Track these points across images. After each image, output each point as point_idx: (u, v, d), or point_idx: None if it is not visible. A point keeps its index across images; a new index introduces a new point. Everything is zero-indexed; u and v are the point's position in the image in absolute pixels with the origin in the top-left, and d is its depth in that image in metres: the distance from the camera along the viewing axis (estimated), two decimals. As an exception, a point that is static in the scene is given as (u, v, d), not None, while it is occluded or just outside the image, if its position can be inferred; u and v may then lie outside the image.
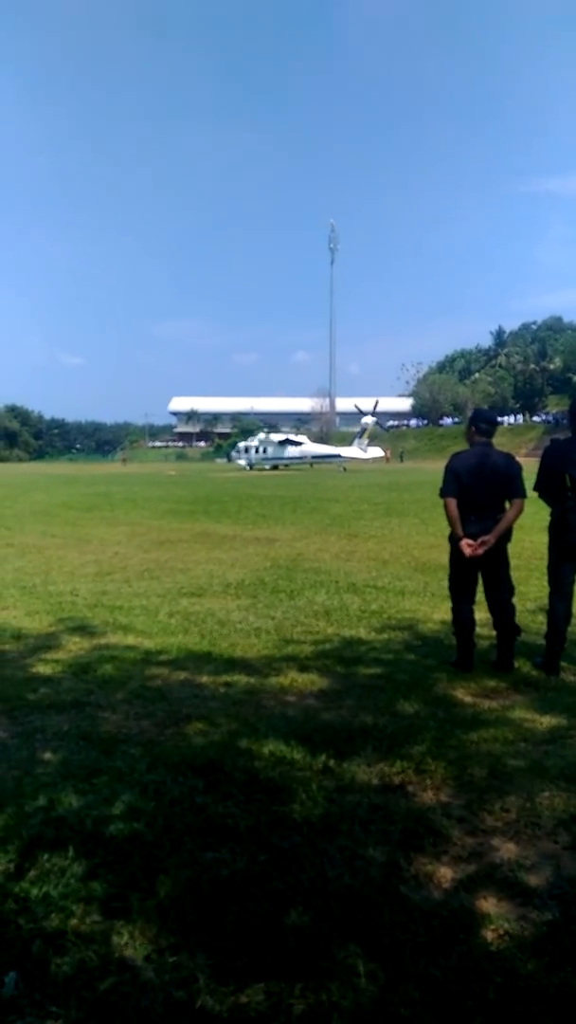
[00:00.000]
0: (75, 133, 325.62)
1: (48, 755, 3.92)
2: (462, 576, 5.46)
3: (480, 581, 5.49)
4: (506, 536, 5.33)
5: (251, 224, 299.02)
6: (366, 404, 66.81)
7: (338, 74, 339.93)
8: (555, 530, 5.31)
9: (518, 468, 5.31)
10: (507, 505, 5.30)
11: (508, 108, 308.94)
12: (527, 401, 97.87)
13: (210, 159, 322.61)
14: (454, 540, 5.38)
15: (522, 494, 5.27)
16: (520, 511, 5.28)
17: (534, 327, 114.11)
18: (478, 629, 5.56)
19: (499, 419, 6.27)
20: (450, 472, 5.36)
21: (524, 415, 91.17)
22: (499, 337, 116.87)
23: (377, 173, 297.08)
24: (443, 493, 5.36)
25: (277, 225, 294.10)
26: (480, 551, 5.19)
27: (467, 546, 5.21)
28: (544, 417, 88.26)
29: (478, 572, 5.43)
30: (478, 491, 5.27)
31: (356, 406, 68.78)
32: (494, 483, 5.27)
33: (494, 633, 5.60)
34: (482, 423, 5.48)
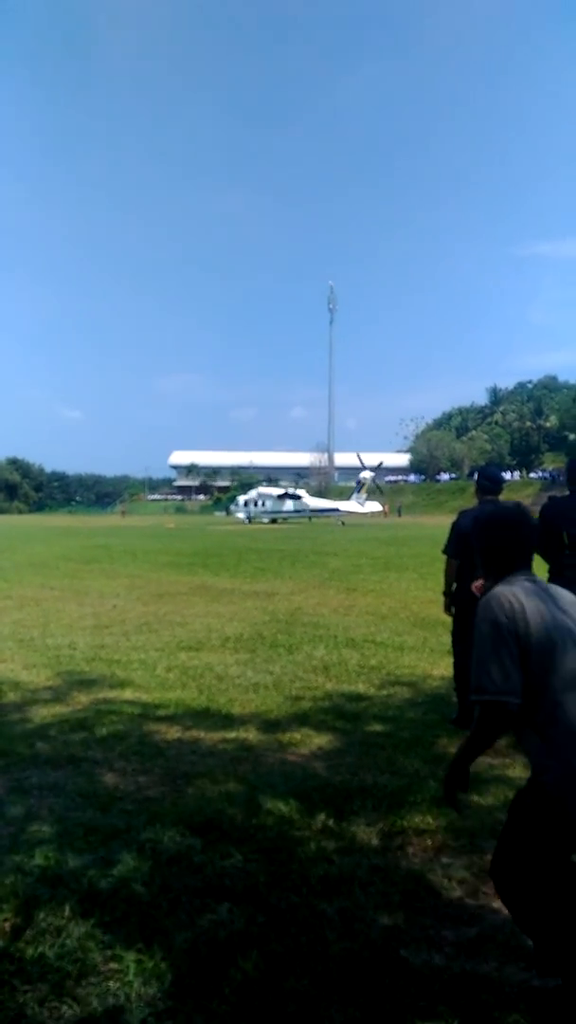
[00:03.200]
0: (75, 186, 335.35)
1: (45, 812, 3.89)
2: (465, 632, 5.46)
3: None
4: None
5: (251, 281, 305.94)
6: (369, 459, 67.38)
7: (335, 134, 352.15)
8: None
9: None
10: None
11: (501, 176, 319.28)
12: (523, 458, 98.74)
13: (213, 220, 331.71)
14: (458, 598, 5.40)
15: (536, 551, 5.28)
16: None
17: (529, 386, 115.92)
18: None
19: (503, 477, 6.31)
20: (454, 531, 5.42)
21: (521, 472, 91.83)
22: (494, 395, 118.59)
23: (374, 236, 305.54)
24: (446, 551, 5.44)
25: (277, 285, 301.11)
26: (477, 589, 5.17)
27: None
28: (541, 474, 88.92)
29: None
30: None
31: (359, 456, 69.24)
32: None
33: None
34: (486, 481, 5.54)
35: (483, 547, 2.57)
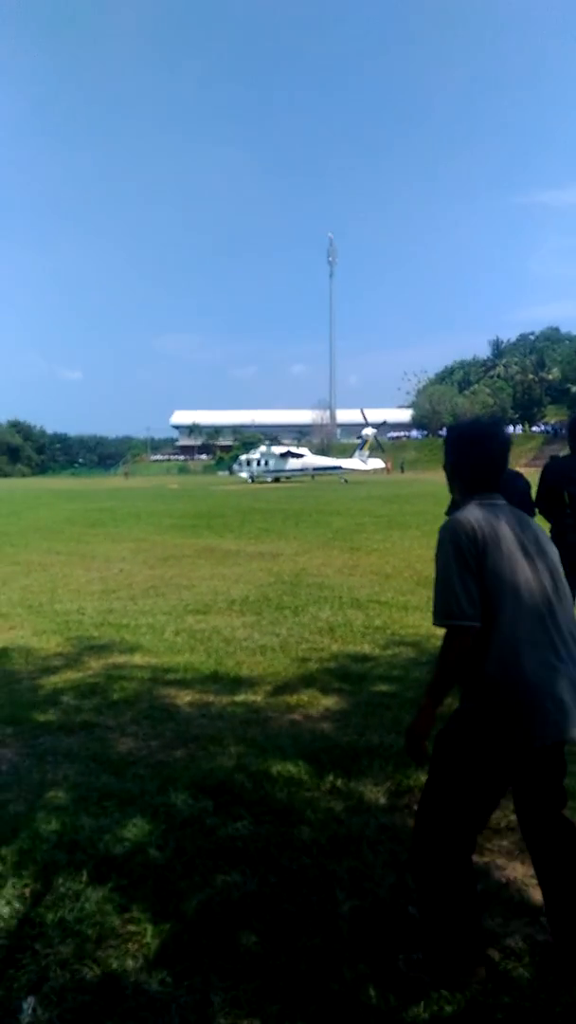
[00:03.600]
0: (72, 148, 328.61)
1: (59, 778, 3.98)
2: None
3: None
4: None
5: (249, 238, 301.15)
6: (372, 416, 66.96)
7: (334, 90, 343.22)
8: (556, 546, 5.35)
9: (526, 485, 5.30)
10: None
11: (502, 123, 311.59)
12: (526, 411, 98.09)
13: (208, 175, 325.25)
14: None
15: (533, 513, 5.26)
16: None
17: (532, 338, 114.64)
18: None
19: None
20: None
21: (523, 425, 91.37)
22: (497, 348, 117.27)
23: (374, 187, 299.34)
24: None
25: (275, 239, 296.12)
26: None
27: None
28: (543, 427, 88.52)
29: None
30: None
31: (363, 412, 68.80)
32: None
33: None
34: None
35: (453, 461, 2.57)
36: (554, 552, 2.46)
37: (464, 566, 2.28)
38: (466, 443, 2.56)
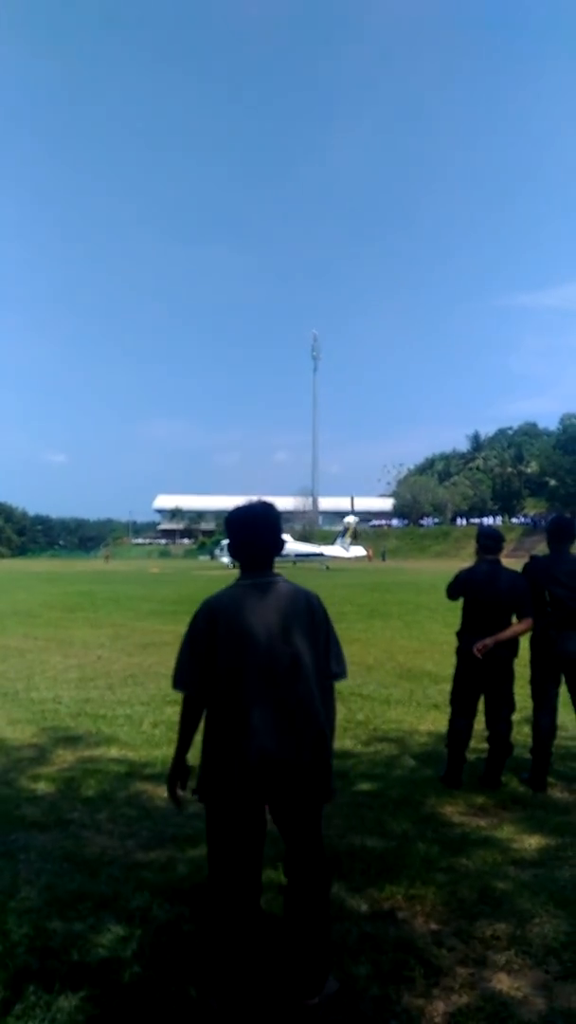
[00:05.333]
0: (63, 240, 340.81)
1: (32, 877, 3.86)
2: (466, 690, 5.49)
3: (483, 696, 5.51)
4: (512, 649, 5.34)
5: (235, 330, 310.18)
6: (356, 504, 67.58)
7: (323, 197, 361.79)
8: (537, 646, 5.43)
9: (524, 587, 5.38)
10: (514, 620, 5.36)
11: (482, 230, 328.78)
12: (505, 503, 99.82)
13: (195, 269, 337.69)
14: (461, 654, 5.46)
15: (532, 615, 5.33)
16: (528, 628, 5.29)
17: (510, 432, 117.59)
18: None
19: (503, 536, 6.43)
20: (458, 581, 5.54)
21: (503, 517, 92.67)
22: (476, 441, 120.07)
23: (358, 286, 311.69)
24: (448, 595, 5.62)
25: (260, 332, 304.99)
26: (479, 652, 5.22)
27: (477, 651, 5.24)
28: (523, 519, 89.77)
29: (481, 687, 5.46)
30: (485, 608, 5.34)
31: (351, 501, 69.43)
32: (501, 602, 5.31)
33: (483, 746, 5.61)
34: (487, 540, 5.60)
35: (229, 543, 2.88)
36: (307, 623, 2.77)
37: (192, 642, 2.74)
38: (236, 526, 2.86)
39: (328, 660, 2.85)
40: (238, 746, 2.62)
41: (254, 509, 2.88)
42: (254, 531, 2.83)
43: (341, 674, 2.92)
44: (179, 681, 2.77)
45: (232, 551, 2.87)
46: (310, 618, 2.79)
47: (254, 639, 2.65)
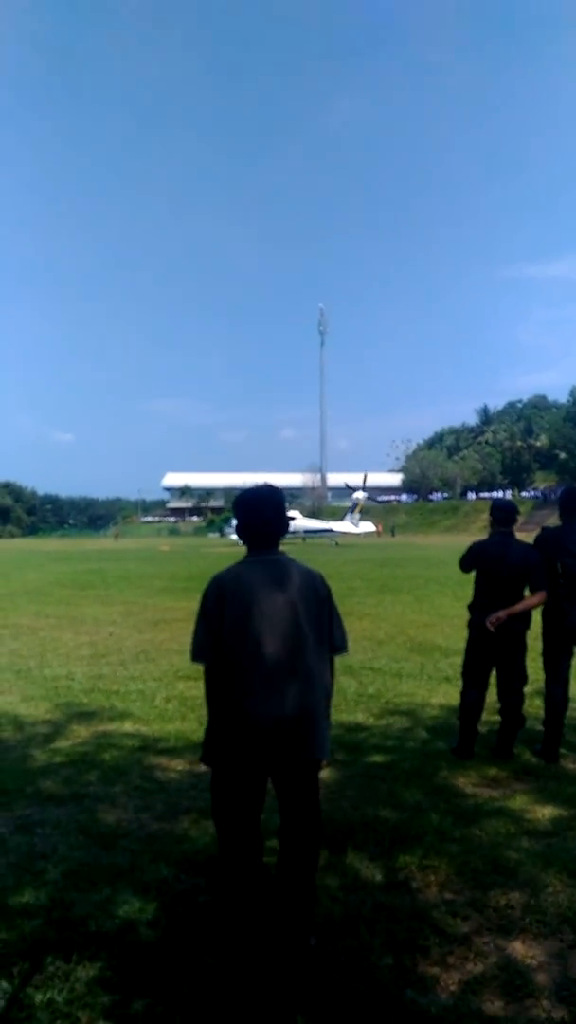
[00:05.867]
0: (69, 216, 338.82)
1: (48, 850, 3.90)
2: (478, 662, 5.48)
3: (495, 669, 5.50)
4: (525, 622, 5.33)
5: (242, 306, 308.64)
6: (355, 480, 67.42)
7: (329, 166, 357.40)
8: (549, 618, 5.40)
9: (537, 559, 5.34)
10: (527, 594, 5.34)
11: (491, 200, 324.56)
12: (515, 477, 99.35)
13: (202, 245, 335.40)
14: (473, 626, 5.44)
15: (544, 587, 5.30)
16: (542, 601, 5.27)
17: (519, 405, 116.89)
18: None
19: (517, 508, 6.40)
20: (471, 553, 5.52)
21: (513, 491, 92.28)
22: (485, 415, 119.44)
23: (365, 260, 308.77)
24: (461, 566, 5.63)
25: (268, 307, 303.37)
26: (492, 625, 5.21)
27: (490, 624, 5.23)
28: (532, 493, 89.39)
29: (493, 659, 5.46)
30: (498, 581, 5.32)
31: (346, 484, 69.35)
32: (514, 574, 5.29)
33: (495, 718, 5.61)
34: (500, 512, 5.57)
35: (237, 524, 3.03)
36: (309, 598, 2.90)
37: (204, 616, 2.88)
38: (242, 508, 3.01)
39: (331, 634, 3.00)
40: (241, 709, 2.77)
41: (260, 492, 3.03)
42: (260, 513, 2.98)
43: (342, 648, 3.07)
44: (196, 654, 2.89)
45: (239, 532, 3.02)
46: (314, 592, 2.93)
47: (259, 607, 2.80)
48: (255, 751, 2.77)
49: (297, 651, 2.82)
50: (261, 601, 2.81)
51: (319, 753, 2.87)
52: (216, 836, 2.99)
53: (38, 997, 2.66)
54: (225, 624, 2.82)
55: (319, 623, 2.92)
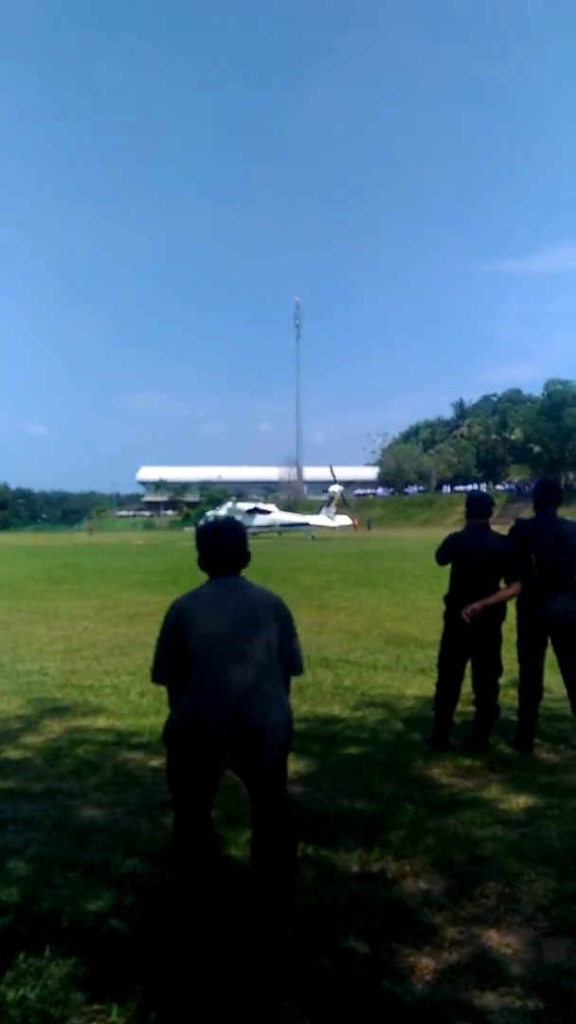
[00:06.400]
0: (42, 206, 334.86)
1: (20, 846, 3.85)
2: (453, 653, 5.50)
3: (470, 660, 5.52)
4: (500, 613, 5.37)
5: (217, 298, 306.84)
6: (341, 473, 67.59)
7: (304, 160, 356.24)
8: (523, 608, 5.44)
9: (512, 550, 5.37)
10: (502, 585, 5.37)
11: (466, 194, 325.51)
12: (490, 470, 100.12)
13: (176, 237, 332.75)
14: (449, 618, 5.45)
15: (520, 578, 5.34)
16: (517, 592, 5.31)
17: (494, 399, 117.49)
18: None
19: (493, 500, 6.43)
20: (446, 545, 5.54)
21: (487, 484, 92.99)
22: (460, 408, 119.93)
23: (341, 253, 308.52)
24: (438, 559, 5.65)
25: (242, 300, 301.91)
26: (467, 616, 5.23)
27: (465, 616, 5.25)
28: (507, 486, 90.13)
29: (469, 651, 5.48)
30: (473, 572, 5.34)
31: (331, 469, 69.37)
32: (489, 566, 5.32)
33: (470, 709, 5.64)
34: (475, 504, 5.58)
35: (198, 557, 3.13)
36: (269, 619, 3.02)
37: (164, 639, 2.99)
38: (203, 541, 3.12)
39: (291, 656, 3.13)
40: (199, 717, 2.85)
41: (220, 525, 3.18)
42: (220, 545, 3.11)
43: (300, 670, 3.21)
44: (156, 675, 3.05)
45: (201, 563, 3.13)
46: (273, 614, 3.06)
47: (216, 625, 2.91)
48: (208, 754, 2.85)
49: (254, 669, 2.92)
50: (218, 620, 2.93)
51: (271, 759, 2.92)
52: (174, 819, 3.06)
53: (10, 994, 2.62)
54: (185, 644, 2.92)
55: (279, 643, 3.05)
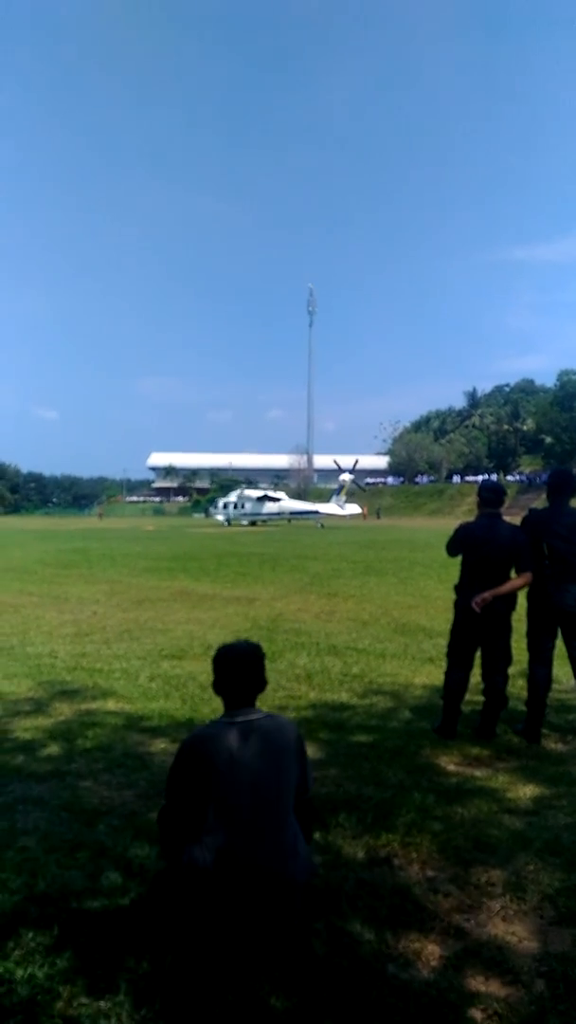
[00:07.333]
0: (55, 189, 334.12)
1: (30, 827, 3.88)
2: (463, 643, 5.49)
3: (480, 649, 5.51)
4: (510, 603, 5.35)
5: (230, 285, 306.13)
6: (345, 461, 67.47)
7: (318, 149, 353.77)
8: (534, 598, 5.42)
9: (524, 540, 5.34)
10: (513, 575, 5.36)
11: (479, 183, 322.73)
12: (501, 461, 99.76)
13: (191, 222, 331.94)
14: (459, 607, 5.44)
15: (531, 568, 5.31)
16: (527, 583, 5.30)
17: (507, 389, 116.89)
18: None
19: (505, 489, 6.42)
20: (457, 535, 5.53)
21: (499, 475, 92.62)
22: (472, 398, 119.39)
23: (354, 241, 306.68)
24: (448, 552, 5.63)
25: (256, 286, 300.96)
26: (477, 606, 5.22)
27: (476, 605, 5.24)
28: (518, 477, 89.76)
29: (479, 640, 5.47)
30: (485, 562, 5.32)
31: (335, 462, 69.39)
32: (501, 555, 5.29)
33: (478, 698, 5.64)
34: (488, 493, 5.55)
35: (214, 680, 3.05)
36: (286, 759, 2.91)
37: (179, 769, 2.91)
38: (220, 665, 3.04)
39: (304, 781, 3.05)
40: (232, 856, 2.74)
41: (239, 649, 3.08)
42: (237, 670, 3.01)
43: (311, 790, 3.15)
44: (166, 801, 3.00)
45: (216, 688, 3.04)
46: (290, 752, 2.96)
47: (238, 779, 2.81)
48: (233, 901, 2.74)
49: (272, 808, 2.84)
50: (239, 769, 2.83)
51: (298, 903, 2.87)
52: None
53: (19, 972, 2.65)
54: (201, 786, 2.84)
55: (299, 778, 2.98)
